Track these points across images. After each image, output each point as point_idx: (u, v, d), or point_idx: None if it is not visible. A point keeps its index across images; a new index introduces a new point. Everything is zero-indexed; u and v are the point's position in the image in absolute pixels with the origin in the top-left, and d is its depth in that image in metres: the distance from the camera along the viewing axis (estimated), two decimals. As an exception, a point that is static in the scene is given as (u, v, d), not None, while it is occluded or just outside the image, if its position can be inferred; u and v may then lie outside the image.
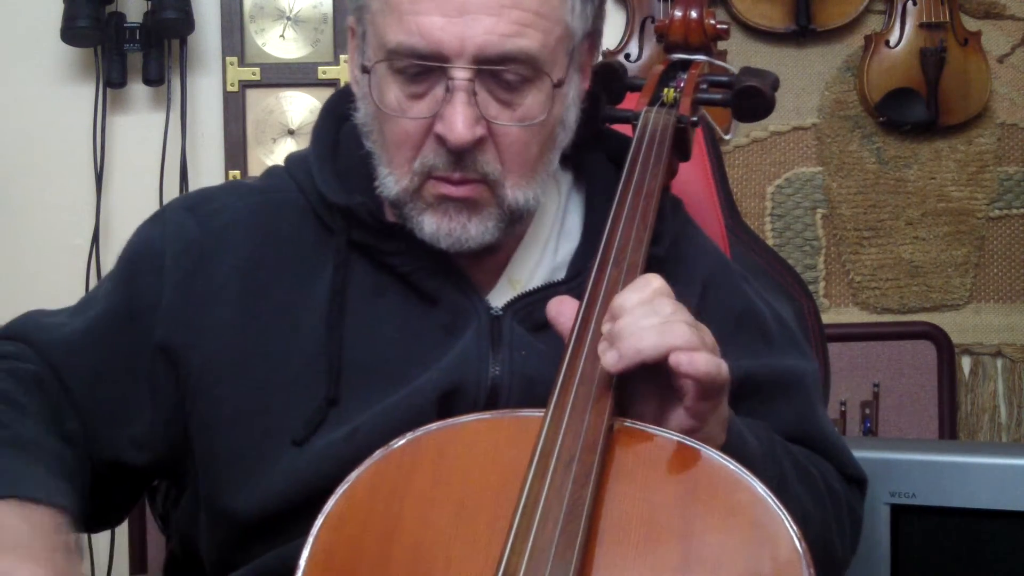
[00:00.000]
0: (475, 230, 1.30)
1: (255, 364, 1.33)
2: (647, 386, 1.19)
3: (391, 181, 1.31)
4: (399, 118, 1.28)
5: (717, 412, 1.20)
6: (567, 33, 1.30)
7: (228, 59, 2.85)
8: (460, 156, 1.27)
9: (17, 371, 1.33)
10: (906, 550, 1.90)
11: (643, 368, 1.15)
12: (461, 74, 1.24)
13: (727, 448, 1.21)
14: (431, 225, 1.30)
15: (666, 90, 1.38)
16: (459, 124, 1.24)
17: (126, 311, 1.37)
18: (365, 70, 1.30)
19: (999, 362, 2.99)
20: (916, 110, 2.90)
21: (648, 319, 1.15)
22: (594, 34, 1.37)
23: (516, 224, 1.34)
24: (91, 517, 1.35)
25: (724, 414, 1.22)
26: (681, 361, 1.13)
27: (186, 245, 1.37)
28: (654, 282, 1.19)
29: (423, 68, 1.26)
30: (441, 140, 1.26)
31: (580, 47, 1.34)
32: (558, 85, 1.28)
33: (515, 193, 1.30)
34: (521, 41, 1.24)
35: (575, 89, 1.35)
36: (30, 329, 1.39)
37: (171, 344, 1.34)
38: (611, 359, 1.15)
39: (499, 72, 1.25)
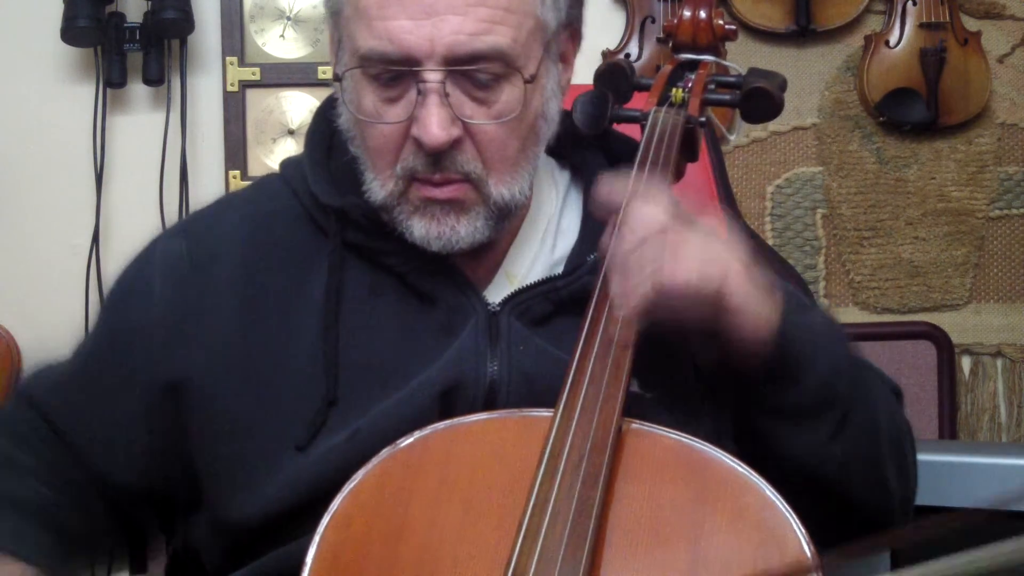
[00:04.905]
0: (464, 231, 1.30)
1: (255, 372, 1.33)
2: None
3: (376, 186, 1.32)
4: (376, 123, 1.29)
5: (747, 315, 1.21)
6: (539, 26, 1.29)
7: (228, 59, 2.84)
8: (438, 157, 1.27)
9: (15, 432, 1.40)
10: (906, 550, 1.90)
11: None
12: (432, 76, 1.24)
13: (784, 328, 1.24)
14: (420, 229, 1.30)
15: (674, 90, 1.38)
16: (433, 126, 1.24)
17: (111, 343, 1.40)
18: (338, 78, 1.31)
19: (999, 362, 2.99)
20: (916, 110, 2.90)
21: (645, 254, 1.19)
22: (572, 23, 1.37)
23: (506, 220, 1.34)
24: (133, 547, 1.46)
25: (756, 306, 1.22)
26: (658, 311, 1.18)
27: (174, 263, 1.39)
28: (647, 209, 1.23)
29: (396, 72, 1.26)
30: (418, 143, 1.26)
31: (557, 38, 1.33)
32: (530, 80, 1.28)
33: (499, 190, 1.30)
34: (490, 38, 1.24)
35: (554, 80, 1.34)
36: (31, 383, 1.45)
37: (168, 367, 1.36)
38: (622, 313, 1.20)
39: (471, 71, 1.25)
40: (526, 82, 1.27)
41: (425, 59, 1.24)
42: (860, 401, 1.33)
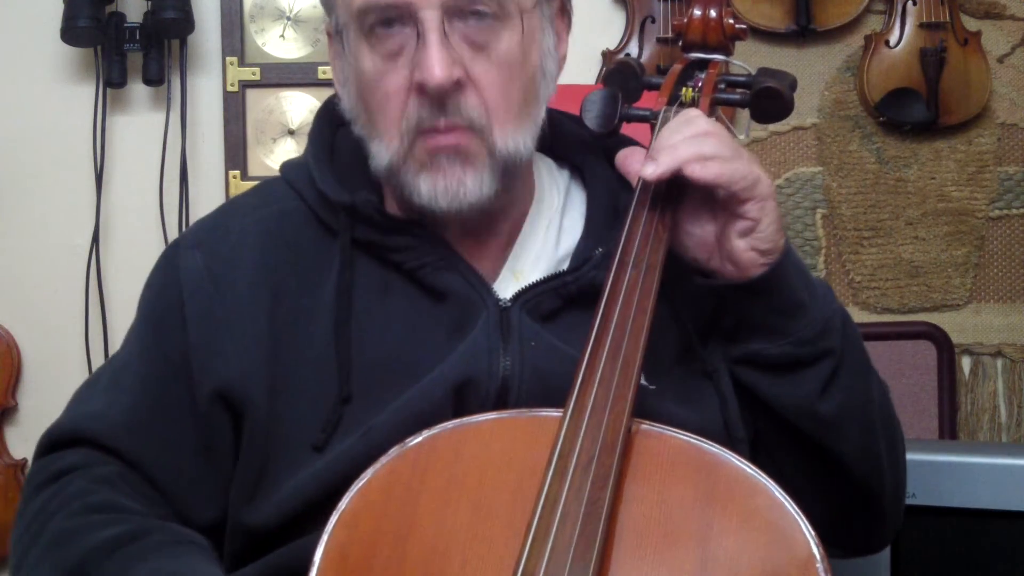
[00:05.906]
0: (471, 183, 1.30)
1: (277, 375, 1.33)
2: (701, 207, 1.30)
3: (382, 149, 1.32)
4: (379, 82, 1.30)
5: (768, 214, 1.28)
6: None
7: (228, 59, 2.84)
8: (442, 103, 1.27)
9: (103, 478, 1.33)
10: (906, 550, 1.90)
11: (693, 192, 1.28)
12: (430, 15, 1.25)
13: (785, 260, 1.30)
14: (427, 185, 1.30)
15: (684, 89, 1.38)
16: (435, 66, 1.25)
17: (166, 372, 1.36)
18: (339, 31, 1.33)
19: (999, 362, 2.99)
20: (916, 110, 2.90)
21: (684, 133, 1.26)
22: None
23: (511, 177, 1.34)
24: None
25: (775, 216, 1.29)
26: (695, 170, 1.24)
27: (197, 280, 1.37)
28: (693, 111, 1.31)
29: (393, 21, 1.27)
30: (422, 89, 1.27)
31: (549, 1, 1.36)
32: (528, 11, 1.30)
33: (504, 140, 1.31)
34: None
35: (550, 40, 1.36)
36: (80, 424, 1.37)
37: (211, 382, 1.34)
38: (649, 169, 1.24)
39: (467, 12, 1.27)
40: (523, 12, 1.29)
41: (421, 5, 1.25)
42: (851, 361, 1.36)
